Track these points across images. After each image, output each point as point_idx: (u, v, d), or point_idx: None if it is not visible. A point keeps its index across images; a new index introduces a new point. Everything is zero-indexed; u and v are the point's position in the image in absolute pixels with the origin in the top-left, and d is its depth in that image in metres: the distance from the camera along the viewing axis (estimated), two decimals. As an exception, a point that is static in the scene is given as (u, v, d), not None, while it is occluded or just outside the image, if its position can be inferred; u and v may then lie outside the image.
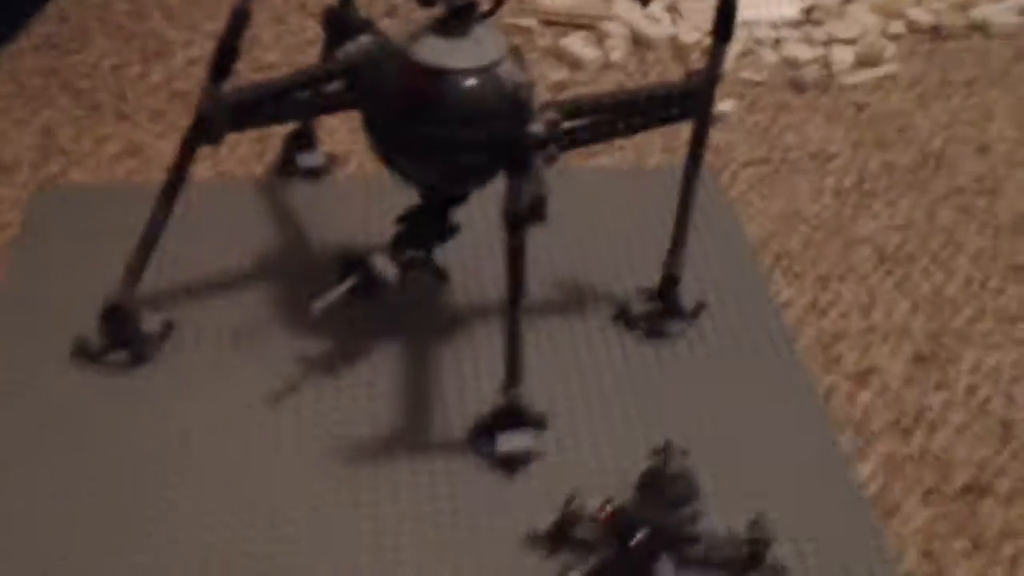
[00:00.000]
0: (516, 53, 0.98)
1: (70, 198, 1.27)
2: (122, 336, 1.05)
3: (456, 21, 0.94)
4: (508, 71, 0.95)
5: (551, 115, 0.95)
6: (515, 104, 0.94)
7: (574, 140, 1.02)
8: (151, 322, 1.07)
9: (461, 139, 0.94)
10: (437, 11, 0.94)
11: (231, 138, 1.06)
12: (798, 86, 1.55)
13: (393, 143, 0.98)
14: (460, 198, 1.04)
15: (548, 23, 1.66)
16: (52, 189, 1.28)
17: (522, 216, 0.91)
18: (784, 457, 1.01)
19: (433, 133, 0.94)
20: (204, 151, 1.00)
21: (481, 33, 0.95)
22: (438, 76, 0.93)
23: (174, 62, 1.52)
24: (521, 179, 0.91)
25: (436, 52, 0.93)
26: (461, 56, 0.93)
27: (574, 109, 1.01)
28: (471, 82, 0.93)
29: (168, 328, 1.08)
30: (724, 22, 1.01)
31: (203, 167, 1.29)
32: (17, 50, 1.52)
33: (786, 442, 1.02)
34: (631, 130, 1.08)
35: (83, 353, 1.05)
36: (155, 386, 1.04)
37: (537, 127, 0.93)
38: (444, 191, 1.03)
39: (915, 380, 1.10)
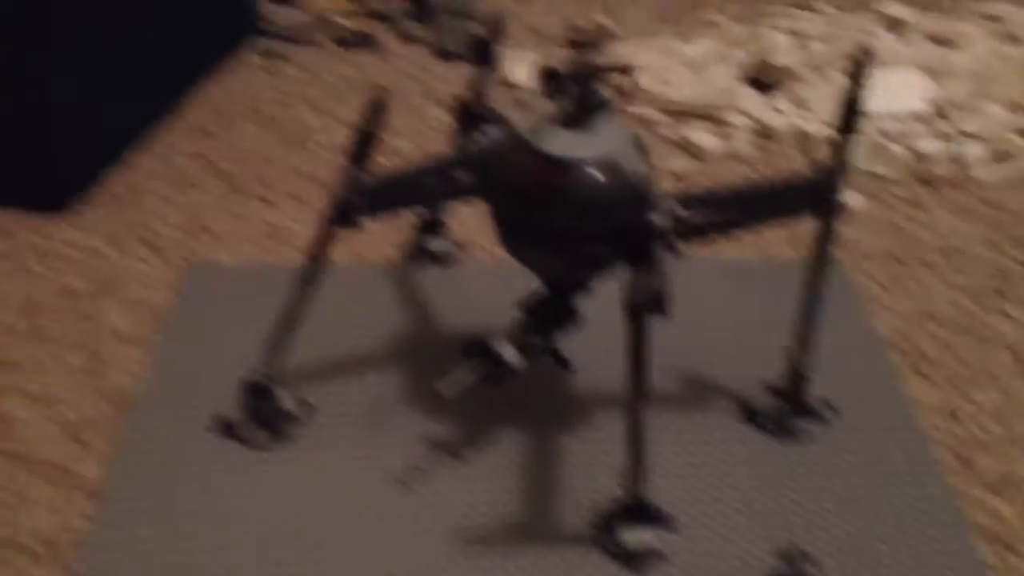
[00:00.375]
0: (639, 144, 1.00)
1: (216, 277, 1.33)
2: (261, 413, 1.09)
3: (580, 113, 0.96)
4: (630, 162, 0.96)
5: (673, 206, 0.96)
6: (637, 195, 0.95)
7: (697, 232, 1.02)
8: (288, 400, 1.11)
9: (583, 229, 0.95)
10: (562, 103, 0.97)
11: (365, 223, 1.10)
12: (928, 181, 1.53)
13: (517, 232, 1.00)
14: (583, 286, 1.05)
15: (671, 113, 1.67)
16: (199, 269, 1.34)
17: (643, 307, 0.91)
18: (918, 567, 0.97)
19: (555, 223, 0.96)
20: (340, 235, 1.04)
21: (604, 124, 0.97)
22: (561, 167, 0.95)
23: (314, 148, 1.58)
24: (642, 270, 0.91)
25: (560, 143, 0.95)
26: (584, 147, 0.95)
27: (697, 200, 1.02)
28: (593, 173, 0.94)
29: (304, 406, 1.12)
30: (849, 115, 1.01)
31: (338, 250, 1.33)
32: (169, 133, 1.61)
33: (920, 550, 0.99)
34: (755, 223, 1.08)
35: (224, 428, 1.10)
36: (289, 462, 1.07)
37: (658, 218, 0.94)
38: (566, 279, 1.04)
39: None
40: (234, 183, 1.50)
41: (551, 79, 0.96)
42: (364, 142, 1.00)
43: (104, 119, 1.49)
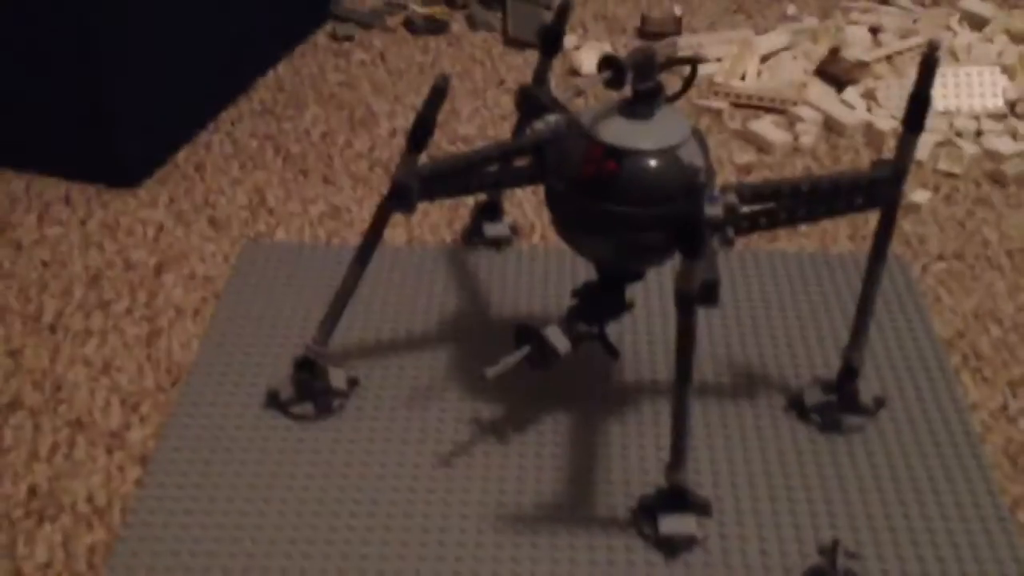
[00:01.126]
0: (698, 136, 1.00)
1: (273, 255, 1.35)
2: (310, 389, 1.11)
3: (641, 104, 0.96)
4: (688, 154, 0.96)
5: (729, 198, 0.95)
6: (691, 186, 0.95)
7: (754, 224, 1.01)
8: (337, 377, 1.13)
9: (637, 218, 0.96)
10: (624, 93, 0.97)
11: (424, 205, 1.11)
12: (999, 180, 1.49)
13: (572, 219, 1.01)
14: (635, 276, 1.05)
15: (739, 106, 1.66)
16: (257, 246, 1.37)
17: (692, 297, 0.91)
18: (961, 565, 0.96)
19: (610, 211, 0.96)
20: (398, 217, 1.05)
21: (664, 116, 0.97)
22: (618, 155, 0.95)
23: (378, 132, 1.60)
24: (694, 260, 0.91)
25: (618, 133, 0.96)
26: (642, 137, 0.95)
27: (756, 193, 1.01)
28: (650, 163, 0.95)
29: (352, 384, 1.14)
30: (916, 112, 0.99)
31: (396, 232, 1.35)
32: (236, 113, 1.64)
33: (966, 553, 0.97)
34: (814, 217, 1.07)
35: (274, 403, 1.12)
36: (335, 439, 1.09)
37: (713, 209, 0.93)
38: (619, 268, 1.04)
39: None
40: (299, 165, 1.53)
41: (612, 69, 0.96)
42: (424, 126, 1.01)
43: (176, 96, 1.53)
